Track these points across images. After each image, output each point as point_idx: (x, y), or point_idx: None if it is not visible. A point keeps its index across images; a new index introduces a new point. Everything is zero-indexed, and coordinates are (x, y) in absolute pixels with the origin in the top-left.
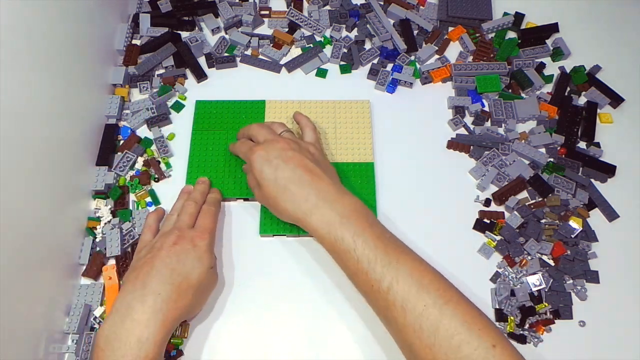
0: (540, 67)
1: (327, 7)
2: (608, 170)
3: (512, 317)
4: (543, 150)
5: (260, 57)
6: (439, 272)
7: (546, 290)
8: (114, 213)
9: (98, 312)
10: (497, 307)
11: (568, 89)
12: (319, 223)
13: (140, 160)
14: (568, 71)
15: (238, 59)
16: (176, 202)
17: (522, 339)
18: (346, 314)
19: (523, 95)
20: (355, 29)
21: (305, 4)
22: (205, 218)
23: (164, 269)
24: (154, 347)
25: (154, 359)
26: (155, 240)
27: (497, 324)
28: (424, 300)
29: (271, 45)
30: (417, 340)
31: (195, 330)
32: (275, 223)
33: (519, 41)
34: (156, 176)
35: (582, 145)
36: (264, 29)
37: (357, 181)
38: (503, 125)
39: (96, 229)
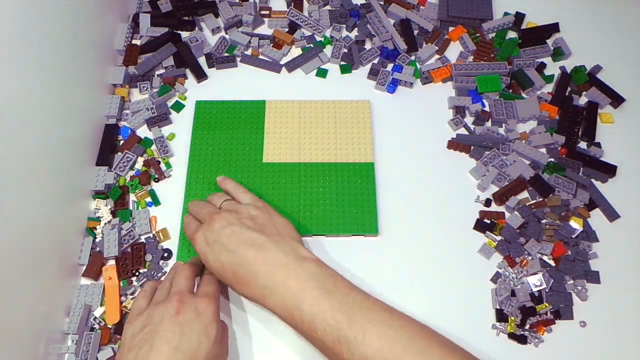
0: (541, 67)
1: (327, 7)
2: (609, 171)
3: (512, 318)
4: (544, 150)
5: (261, 57)
6: (414, 327)
7: (547, 290)
8: (114, 213)
9: (98, 312)
10: (498, 307)
11: (569, 89)
12: (275, 308)
13: (140, 160)
14: (569, 71)
15: (238, 59)
16: (168, 274)
17: (522, 340)
18: None
19: (524, 95)
20: (356, 29)
21: (306, 4)
22: (208, 285)
23: (165, 348)
24: None
25: None
26: (152, 309)
27: (497, 324)
28: None
29: (271, 45)
30: None
31: None
32: None
33: (520, 41)
34: (156, 176)
35: (582, 145)
36: (264, 29)
37: (357, 181)
38: (503, 125)
39: (96, 229)
